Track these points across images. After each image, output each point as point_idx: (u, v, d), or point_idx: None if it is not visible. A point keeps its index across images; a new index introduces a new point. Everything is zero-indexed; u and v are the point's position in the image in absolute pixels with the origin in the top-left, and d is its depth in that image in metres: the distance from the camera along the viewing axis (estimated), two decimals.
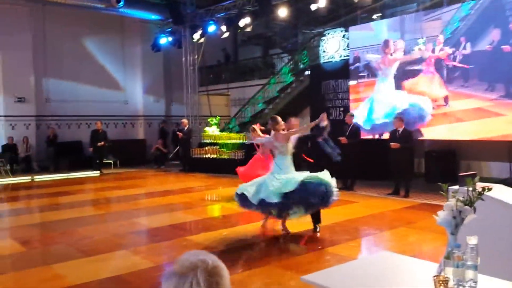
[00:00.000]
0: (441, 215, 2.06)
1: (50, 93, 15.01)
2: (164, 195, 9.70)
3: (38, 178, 12.06)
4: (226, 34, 14.63)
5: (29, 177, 12.22)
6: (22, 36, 14.04)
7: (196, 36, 14.95)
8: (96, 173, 13.13)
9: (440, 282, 1.84)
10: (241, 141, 13.32)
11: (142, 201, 9.22)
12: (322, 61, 12.61)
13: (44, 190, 10.70)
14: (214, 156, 13.35)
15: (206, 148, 13.68)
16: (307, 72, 13.62)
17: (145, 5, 15.27)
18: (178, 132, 14.08)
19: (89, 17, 15.33)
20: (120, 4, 13.55)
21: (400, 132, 8.70)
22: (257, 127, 7.64)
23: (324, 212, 5.97)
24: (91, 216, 7.64)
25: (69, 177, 12.61)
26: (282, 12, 12.82)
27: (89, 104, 15.59)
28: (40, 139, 14.51)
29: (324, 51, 12.52)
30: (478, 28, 8.92)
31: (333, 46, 12.27)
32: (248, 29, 14.55)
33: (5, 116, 13.92)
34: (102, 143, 13.33)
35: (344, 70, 11.62)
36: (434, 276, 1.89)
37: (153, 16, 15.55)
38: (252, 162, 8.56)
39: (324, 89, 12.30)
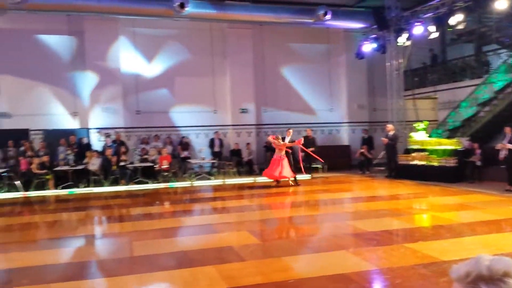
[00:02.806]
0: None
1: (267, 105, 16.92)
2: (372, 200, 9.90)
3: (259, 179, 13.66)
4: (435, 35, 13.94)
5: (252, 178, 13.97)
6: (246, 55, 16.19)
7: (402, 39, 14.68)
8: (307, 176, 14.13)
9: None
10: (453, 147, 12.53)
11: (351, 204, 9.60)
12: None
13: (264, 190, 12.10)
14: (423, 162, 12.87)
15: (413, 154, 13.27)
16: None
17: (350, 15, 15.74)
18: (382, 138, 14.06)
19: (298, 32, 16.71)
20: (327, 17, 14.36)
21: None
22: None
23: None
24: (309, 216, 8.37)
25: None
26: (501, 3, 11.55)
27: (299, 113, 17.02)
28: (259, 145, 16.48)
29: None
30: None
31: None
32: (460, 26, 13.57)
33: (232, 125, 16.28)
34: (312, 148, 14.30)
35: None
36: None
37: (357, 25, 15.91)
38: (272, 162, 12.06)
39: None
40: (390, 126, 14.08)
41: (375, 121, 17.86)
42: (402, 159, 13.50)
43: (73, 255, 6.27)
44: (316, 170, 15.02)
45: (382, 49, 15.73)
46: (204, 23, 15.67)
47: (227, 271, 5.09)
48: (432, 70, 17.80)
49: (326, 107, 17.71)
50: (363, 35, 16.35)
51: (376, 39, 15.73)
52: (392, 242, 6.23)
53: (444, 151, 12.56)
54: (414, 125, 14.49)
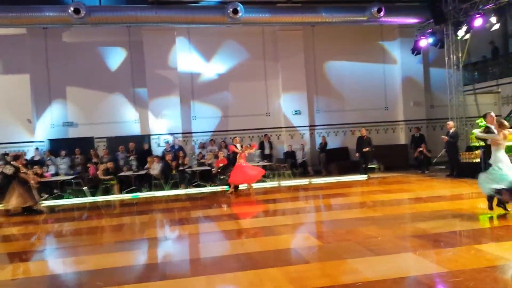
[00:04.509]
0: None
1: (319, 105, 16.85)
2: (434, 201, 9.56)
3: (314, 181, 13.60)
4: (496, 26, 13.32)
5: (307, 180, 13.95)
6: (297, 57, 16.26)
7: (461, 32, 14.14)
8: (363, 177, 13.92)
9: None
10: None
11: (412, 205, 9.32)
12: None
13: (320, 191, 12.05)
14: None
15: (476, 152, 12.73)
16: None
17: (404, 10, 15.35)
18: (443, 137, 13.57)
19: (350, 30, 16.53)
20: (381, 14, 14.09)
21: None
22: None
23: None
24: (369, 217, 8.22)
25: (339, 180, 13.81)
26: None
27: (353, 113, 16.85)
28: (313, 146, 16.44)
29: None
30: None
31: None
32: None
33: (286, 127, 16.36)
34: (367, 149, 14.07)
35: None
36: None
37: (412, 20, 15.46)
38: (236, 169, 11.93)
39: None
40: (450, 123, 13.57)
41: (433, 118, 17.31)
42: (464, 157, 12.97)
43: (141, 257, 6.53)
44: (372, 170, 14.76)
45: (439, 43, 15.26)
46: (256, 27, 15.89)
47: (292, 273, 5.12)
48: (493, 63, 16.97)
49: (381, 106, 17.35)
50: (419, 30, 15.90)
51: (432, 34, 15.26)
52: (460, 244, 6.02)
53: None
54: (476, 121, 13.89)
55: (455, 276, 4.75)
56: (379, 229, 7.15)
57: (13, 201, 10.40)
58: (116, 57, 15.78)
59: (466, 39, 14.64)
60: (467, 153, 12.99)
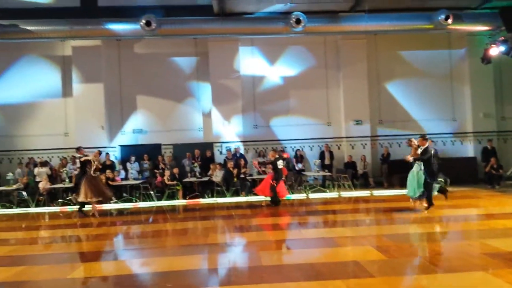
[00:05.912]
0: None
1: (382, 115, 16.51)
2: (506, 218, 9.06)
3: (375, 192, 13.32)
4: None
5: (368, 192, 13.69)
6: (359, 66, 16.07)
7: None
8: None
9: None
10: None
11: (483, 221, 8.90)
12: None
13: (382, 204, 11.77)
14: None
15: None
16: None
17: (473, 18, 14.69)
18: None
19: (415, 38, 16.11)
20: (448, 21, 13.61)
21: None
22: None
23: None
24: (435, 233, 7.96)
25: (402, 193, 13.39)
26: None
27: (417, 123, 16.33)
28: (375, 157, 16.11)
29: None
30: None
31: None
32: None
33: (346, 137, 16.17)
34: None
35: None
36: None
37: (482, 28, 14.77)
38: (267, 180, 11.97)
39: None
40: None
41: (505, 131, 16.39)
42: None
43: (206, 262, 6.74)
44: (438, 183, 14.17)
45: (511, 52, 14.44)
46: (318, 36, 15.92)
47: (356, 286, 5.09)
48: None
49: (448, 117, 16.70)
50: (490, 38, 15.16)
51: (504, 42, 14.48)
52: None
53: None
54: None
55: None
56: (447, 245, 6.92)
57: (88, 194, 10.88)
58: (183, 67, 16.44)
59: None
60: None
